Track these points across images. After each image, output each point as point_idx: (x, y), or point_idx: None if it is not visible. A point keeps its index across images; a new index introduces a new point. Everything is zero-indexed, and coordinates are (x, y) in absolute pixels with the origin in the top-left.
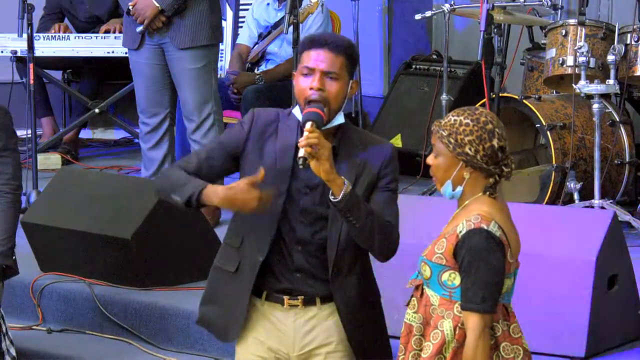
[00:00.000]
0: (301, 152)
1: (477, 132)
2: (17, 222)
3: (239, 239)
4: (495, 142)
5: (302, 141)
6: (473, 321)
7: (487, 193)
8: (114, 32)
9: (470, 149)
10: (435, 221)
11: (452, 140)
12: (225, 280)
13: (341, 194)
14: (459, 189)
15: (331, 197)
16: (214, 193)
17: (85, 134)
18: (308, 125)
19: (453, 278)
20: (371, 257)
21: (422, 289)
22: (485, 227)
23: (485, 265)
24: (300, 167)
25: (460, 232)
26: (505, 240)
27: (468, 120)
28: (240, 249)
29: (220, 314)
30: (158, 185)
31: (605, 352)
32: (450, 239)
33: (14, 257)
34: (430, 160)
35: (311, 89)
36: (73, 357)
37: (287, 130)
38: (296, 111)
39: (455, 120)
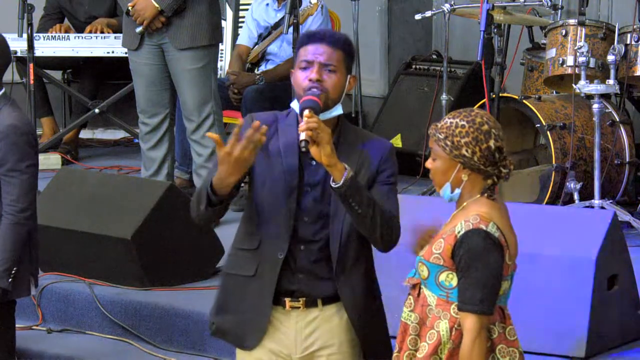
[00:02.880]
0: (302, 136)
1: (473, 134)
2: (19, 245)
3: (255, 241)
4: (492, 143)
5: (302, 126)
6: (470, 322)
7: (485, 195)
8: (96, 32)
9: (467, 151)
10: (436, 221)
11: (449, 143)
12: (241, 287)
13: (342, 179)
14: (457, 191)
15: (332, 184)
16: (219, 180)
17: (85, 134)
18: (306, 112)
19: (450, 279)
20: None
21: (420, 288)
22: (484, 228)
23: (484, 266)
24: (303, 149)
25: (459, 232)
26: (504, 242)
27: (464, 122)
28: (258, 251)
29: (237, 322)
30: (191, 212)
31: (605, 352)
32: (448, 239)
33: (9, 280)
34: (429, 164)
35: (310, 80)
36: (73, 357)
37: (288, 128)
38: (294, 105)
39: (451, 122)
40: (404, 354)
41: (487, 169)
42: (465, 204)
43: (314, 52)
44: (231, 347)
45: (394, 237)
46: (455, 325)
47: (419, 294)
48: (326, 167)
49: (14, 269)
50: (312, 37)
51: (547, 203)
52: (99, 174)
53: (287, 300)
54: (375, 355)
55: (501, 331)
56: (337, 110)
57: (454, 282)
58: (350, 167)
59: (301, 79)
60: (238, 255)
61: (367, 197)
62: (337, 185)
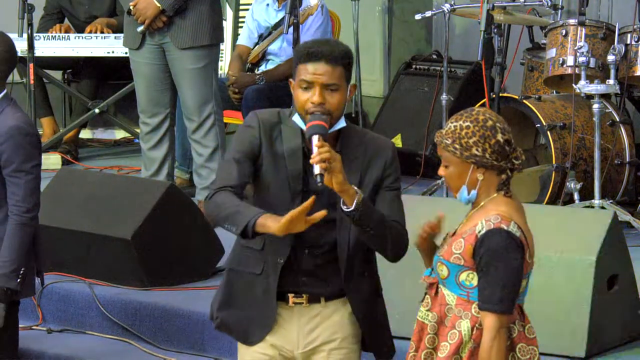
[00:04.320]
0: (316, 170)
1: (480, 132)
2: (26, 245)
3: (260, 241)
4: (499, 137)
5: (314, 157)
6: (490, 321)
7: (502, 192)
8: (96, 32)
9: (477, 150)
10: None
11: (458, 146)
12: (248, 283)
13: (354, 204)
14: (474, 192)
15: (344, 208)
16: (268, 228)
17: (85, 134)
18: (315, 139)
19: (471, 278)
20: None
21: (437, 287)
22: (505, 228)
23: (504, 266)
24: (319, 184)
25: (480, 232)
26: (525, 241)
27: (468, 123)
28: (263, 251)
29: (242, 318)
30: (210, 212)
31: (605, 352)
32: (468, 239)
33: (18, 280)
34: (441, 171)
35: (312, 103)
36: (73, 357)
37: (291, 133)
38: (297, 119)
39: (455, 126)
40: (421, 352)
41: (500, 164)
42: (482, 203)
43: (313, 72)
44: (231, 346)
45: (403, 250)
46: (477, 325)
47: (436, 293)
48: (338, 192)
49: (22, 269)
50: (311, 56)
51: (547, 203)
52: (99, 174)
53: (290, 296)
54: (379, 354)
55: (521, 330)
56: (341, 124)
57: (475, 281)
58: (354, 178)
59: (302, 99)
60: (244, 253)
61: (378, 217)
62: (349, 210)
